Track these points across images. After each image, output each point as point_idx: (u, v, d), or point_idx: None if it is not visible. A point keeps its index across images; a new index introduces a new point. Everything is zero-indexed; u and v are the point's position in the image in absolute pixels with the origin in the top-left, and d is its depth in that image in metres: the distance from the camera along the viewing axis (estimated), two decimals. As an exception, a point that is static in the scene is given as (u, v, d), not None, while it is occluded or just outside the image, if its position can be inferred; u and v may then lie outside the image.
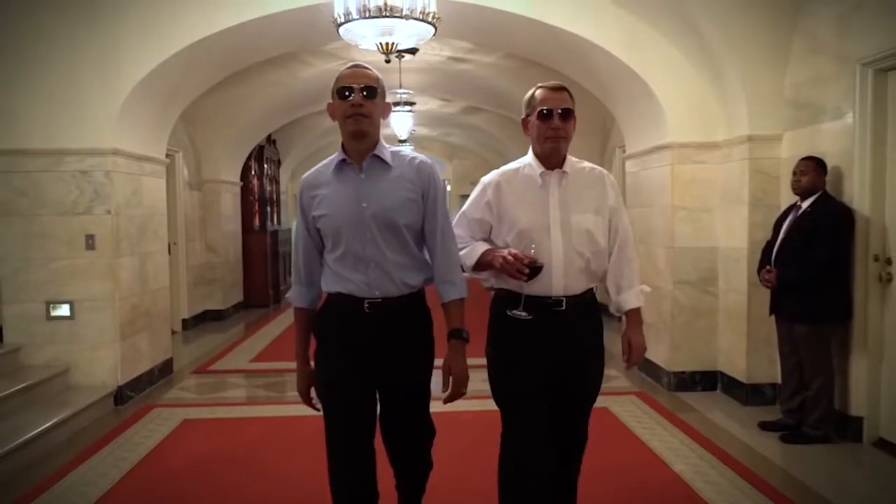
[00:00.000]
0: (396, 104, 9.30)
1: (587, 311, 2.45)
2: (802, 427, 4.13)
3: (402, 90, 8.83)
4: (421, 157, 2.43)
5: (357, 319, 2.30)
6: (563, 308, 2.36)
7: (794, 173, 4.15)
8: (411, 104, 9.91)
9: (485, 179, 2.52)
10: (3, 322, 4.99)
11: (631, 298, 2.49)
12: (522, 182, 2.43)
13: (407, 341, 2.35)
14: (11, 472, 3.75)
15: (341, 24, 3.66)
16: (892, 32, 3.71)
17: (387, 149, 2.35)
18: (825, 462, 3.85)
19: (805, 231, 4.02)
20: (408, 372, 2.37)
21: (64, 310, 5.00)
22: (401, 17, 3.38)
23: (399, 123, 9.69)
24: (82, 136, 4.91)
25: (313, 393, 2.43)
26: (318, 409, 2.41)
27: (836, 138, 4.20)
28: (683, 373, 5.29)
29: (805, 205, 4.10)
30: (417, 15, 3.42)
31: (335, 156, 2.36)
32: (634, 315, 2.53)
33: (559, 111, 2.35)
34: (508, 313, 2.35)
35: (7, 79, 4.82)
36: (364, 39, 3.70)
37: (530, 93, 2.43)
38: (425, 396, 2.46)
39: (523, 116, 2.46)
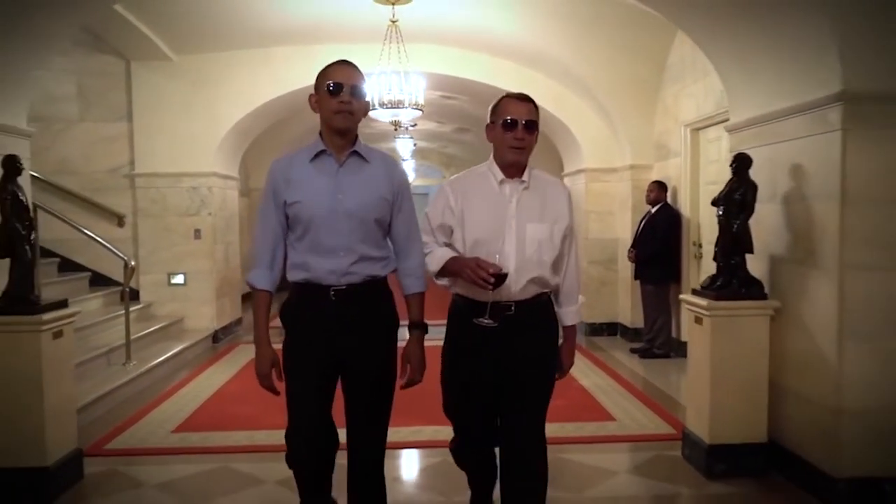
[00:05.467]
0: (396, 127, 11.80)
1: (539, 315, 2.46)
2: (653, 349, 6.64)
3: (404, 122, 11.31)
4: (392, 157, 2.52)
5: (323, 307, 2.33)
6: (513, 312, 2.37)
7: (647, 190, 6.67)
8: (413, 125, 12.45)
9: (446, 184, 2.53)
10: (140, 287, 7.50)
11: (570, 316, 2.53)
12: (483, 188, 2.44)
13: (371, 326, 2.38)
14: (153, 381, 5.98)
15: (369, 109, 6.28)
16: (698, 108, 6.19)
17: (364, 146, 2.40)
18: (665, 369, 6.30)
19: (651, 227, 6.53)
20: (373, 355, 2.38)
21: (180, 279, 7.54)
22: (403, 107, 6.01)
23: (402, 146, 12.21)
24: (194, 164, 7.43)
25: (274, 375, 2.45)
26: (276, 392, 2.44)
27: (675, 169, 6.71)
28: (595, 323, 7.80)
29: (653, 210, 6.60)
30: (412, 104, 6.05)
31: (312, 145, 2.38)
32: (571, 332, 2.56)
33: (524, 122, 2.35)
34: (474, 321, 2.35)
35: (147, 127, 7.35)
36: (381, 118, 6.31)
37: (497, 100, 2.45)
38: (391, 376, 2.44)
39: (488, 122, 2.45)
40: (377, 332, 2.41)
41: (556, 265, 2.47)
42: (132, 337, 6.40)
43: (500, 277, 2.24)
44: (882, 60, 3.03)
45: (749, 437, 3.60)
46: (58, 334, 3.50)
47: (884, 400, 3.18)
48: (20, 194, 3.43)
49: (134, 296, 7.49)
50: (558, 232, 2.44)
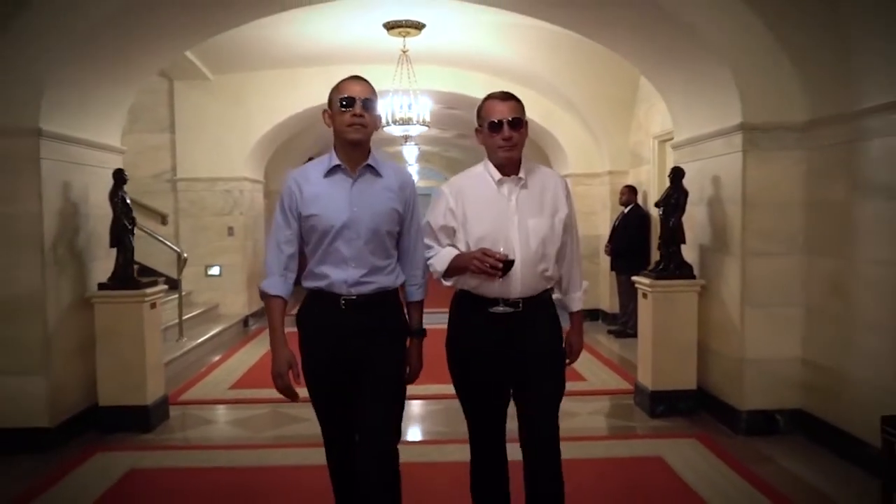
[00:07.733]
0: (406, 139, 12.89)
1: (544, 310, 2.47)
2: (626, 329, 7.71)
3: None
4: (404, 169, 2.61)
5: (334, 315, 2.40)
6: (521, 308, 2.40)
7: (619, 193, 7.75)
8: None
9: (445, 187, 2.56)
10: (181, 278, 8.57)
11: (575, 302, 2.60)
12: (481, 188, 2.46)
13: (381, 334, 2.43)
14: (201, 354, 7.14)
15: (383, 126, 7.39)
16: (663, 124, 7.25)
17: (377, 159, 2.44)
18: (634, 345, 7.13)
19: (623, 225, 7.62)
20: (383, 361, 2.43)
21: (216, 271, 8.63)
22: (412, 123, 7.14)
23: (408, 151, 13.34)
24: (227, 169, 8.53)
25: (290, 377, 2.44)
26: (293, 394, 2.43)
27: (646, 175, 7.79)
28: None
29: (626, 211, 7.68)
30: (420, 121, 7.19)
31: (326, 159, 2.42)
32: (577, 317, 2.63)
33: (509, 120, 2.37)
34: (490, 311, 2.38)
35: (187, 138, 8.45)
36: (393, 132, 7.43)
37: (480, 103, 2.45)
38: (400, 381, 2.49)
39: (476, 127, 2.48)
40: (387, 339, 2.46)
41: (559, 256, 2.50)
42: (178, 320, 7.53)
43: (508, 264, 2.28)
44: (769, 100, 4.12)
45: (682, 384, 4.69)
46: (153, 305, 4.59)
47: (772, 351, 4.27)
48: (126, 198, 4.52)
49: (176, 285, 8.58)
50: (559, 223, 2.47)
